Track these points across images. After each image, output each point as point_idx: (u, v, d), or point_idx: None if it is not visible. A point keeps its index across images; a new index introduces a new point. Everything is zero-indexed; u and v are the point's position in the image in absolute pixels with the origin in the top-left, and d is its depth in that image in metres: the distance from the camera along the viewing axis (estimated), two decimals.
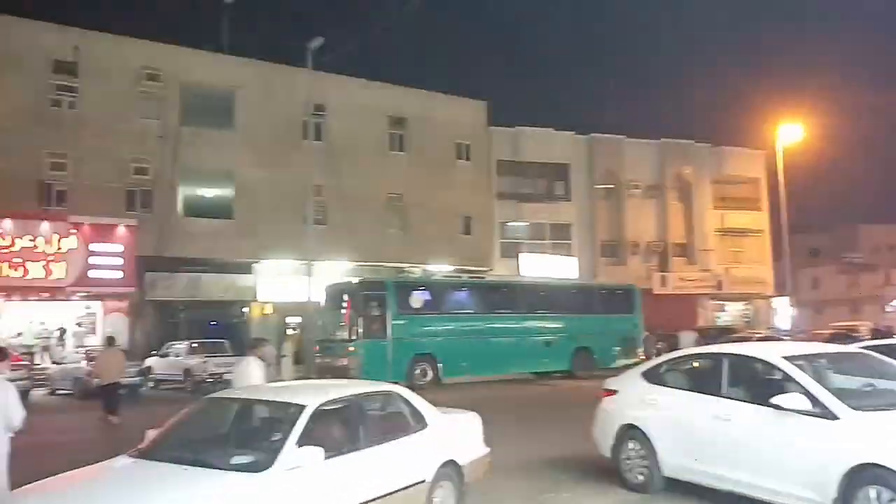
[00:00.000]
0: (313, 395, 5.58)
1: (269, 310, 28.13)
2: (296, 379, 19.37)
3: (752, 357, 7.06)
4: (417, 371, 19.99)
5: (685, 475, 6.92)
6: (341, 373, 18.54)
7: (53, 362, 21.91)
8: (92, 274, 23.59)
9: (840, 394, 5.95)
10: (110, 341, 15.97)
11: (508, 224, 34.73)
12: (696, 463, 6.74)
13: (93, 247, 23.66)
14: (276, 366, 21.72)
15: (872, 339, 13.95)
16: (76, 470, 5.15)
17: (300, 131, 27.75)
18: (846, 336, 21.81)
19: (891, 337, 16.15)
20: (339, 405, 5.75)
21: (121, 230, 24.31)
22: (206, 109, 27.62)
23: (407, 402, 6.38)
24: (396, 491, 5.62)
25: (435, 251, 30.47)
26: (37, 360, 22.75)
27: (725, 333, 27.13)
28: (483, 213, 33.14)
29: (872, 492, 5.24)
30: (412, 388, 10.01)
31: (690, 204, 38.26)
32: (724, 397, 6.65)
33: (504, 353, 21.72)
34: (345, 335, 19.61)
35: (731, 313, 40.68)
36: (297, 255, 25.70)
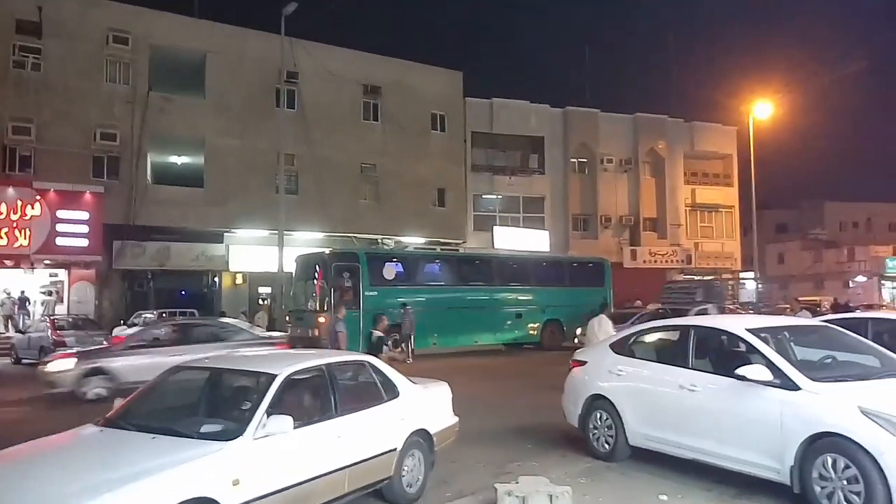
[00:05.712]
0: (283, 364, 5.56)
1: (240, 280, 27.90)
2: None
3: (718, 329, 7.22)
4: (389, 342, 19.99)
5: (650, 444, 7.07)
6: (313, 343, 18.49)
7: (18, 331, 21.54)
8: (58, 241, 23.15)
9: (801, 365, 6.12)
10: None
11: (482, 196, 34.71)
12: (661, 432, 6.88)
13: (58, 214, 23.19)
14: None
15: (833, 313, 14.27)
16: (42, 438, 5.10)
17: (272, 99, 27.29)
18: (807, 310, 22.15)
19: (851, 311, 16.57)
20: (310, 375, 5.75)
21: (87, 197, 23.84)
22: (176, 75, 27.02)
23: (378, 371, 6.40)
24: (367, 459, 5.66)
25: (408, 223, 30.38)
26: (0, 328, 22.38)
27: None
28: (457, 185, 33.05)
29: (829, 459, 5.41)
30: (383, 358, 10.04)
31: (663, 179, 38.59)
32: (690, 368, 6.78)
33: (475, 325, 21.88)
34: (316, 306, 19.54)
35: None
36: (269, 225, 25.50)
